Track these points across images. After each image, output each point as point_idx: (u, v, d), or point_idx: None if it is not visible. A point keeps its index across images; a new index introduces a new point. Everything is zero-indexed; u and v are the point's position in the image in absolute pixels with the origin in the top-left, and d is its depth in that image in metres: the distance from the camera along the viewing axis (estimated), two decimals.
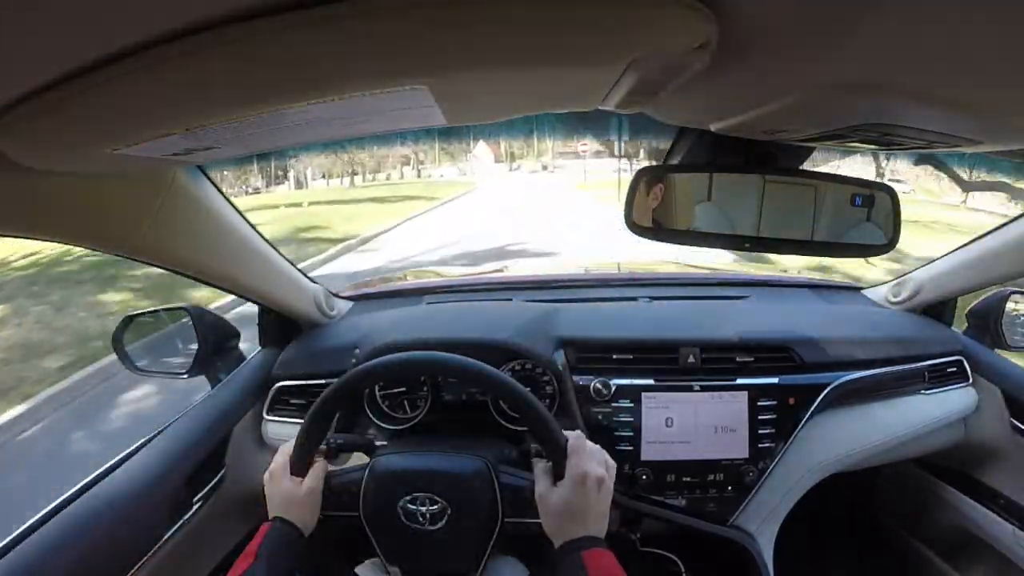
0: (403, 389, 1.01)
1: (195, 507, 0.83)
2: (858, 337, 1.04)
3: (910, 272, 1.18)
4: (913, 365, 1.05)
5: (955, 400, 1.06)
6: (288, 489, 0.75)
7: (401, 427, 0.98)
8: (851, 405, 1.01)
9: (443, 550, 0.74)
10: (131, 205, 0.60)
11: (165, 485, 0.78)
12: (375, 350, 0.97)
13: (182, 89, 0.29)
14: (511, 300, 1.22)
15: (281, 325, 1.10)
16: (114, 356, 1.00)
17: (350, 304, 1.22)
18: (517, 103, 0.42)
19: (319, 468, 0.77)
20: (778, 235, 0.66)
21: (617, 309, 1.16)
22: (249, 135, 0.38)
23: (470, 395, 1.01)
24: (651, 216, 0.69)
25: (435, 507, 0.72)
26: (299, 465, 0.75)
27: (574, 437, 0.71)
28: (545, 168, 33.17)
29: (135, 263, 0.72)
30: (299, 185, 20.98)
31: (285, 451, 0.77)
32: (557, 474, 0.69)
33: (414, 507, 0.73)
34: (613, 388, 0.94)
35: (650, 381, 0.95)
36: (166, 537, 0.77)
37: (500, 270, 1.72)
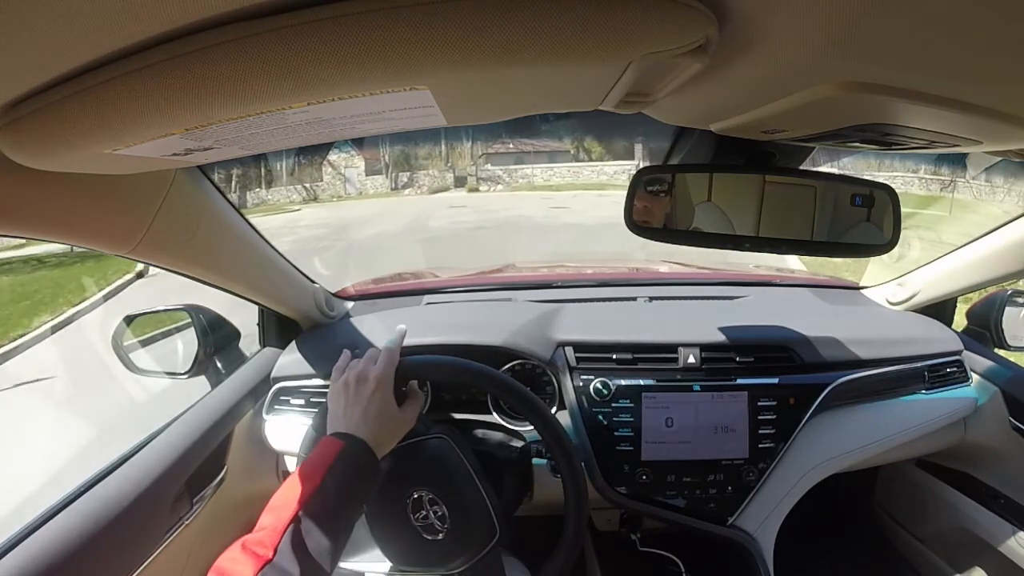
0: (403, 389, 1.01)
1: (195, 508, 0.83)
2: (858, 337, 1.04)
3: (910, 272, 1.18)
4: (913, 365, 1.05)
5: (955, 400, 1.06)
6: (388, 405, 0.63)
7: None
8: (851, 405, 1.01)
9: (400, 542, 0.73)
10: (131, 205, 0.60)
11: (165, 486, 0.77)
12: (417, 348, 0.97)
13: (182, 89, 0.29)
14: (511, 300, 1.22)
15: (281, 325, 1.10)
16: None
17: (350, 304, 1.22)
18: (516, 103, 0.42)
19: (419, 396, 0.69)
20: (778, 235, 0.67)
21: (617, 309, 1.16)
22: (249, 135, 0.37)
23: (471, 395, 1.01)
24: (651, 216, 0.69)
25: (442, 527, 0.72)
26: (400, 386, 0.67)
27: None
28: (463, 183, 17.06)
29: None
30: None
31: (392, 361, 0.66)
32: None
33: (425, 506, 0.72)
34: (613, 388, 0.94)
35: (650, 381, 0.95)
36: (166, 538, 0.77)
37: (500, 270, 1.72)
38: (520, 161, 18.65)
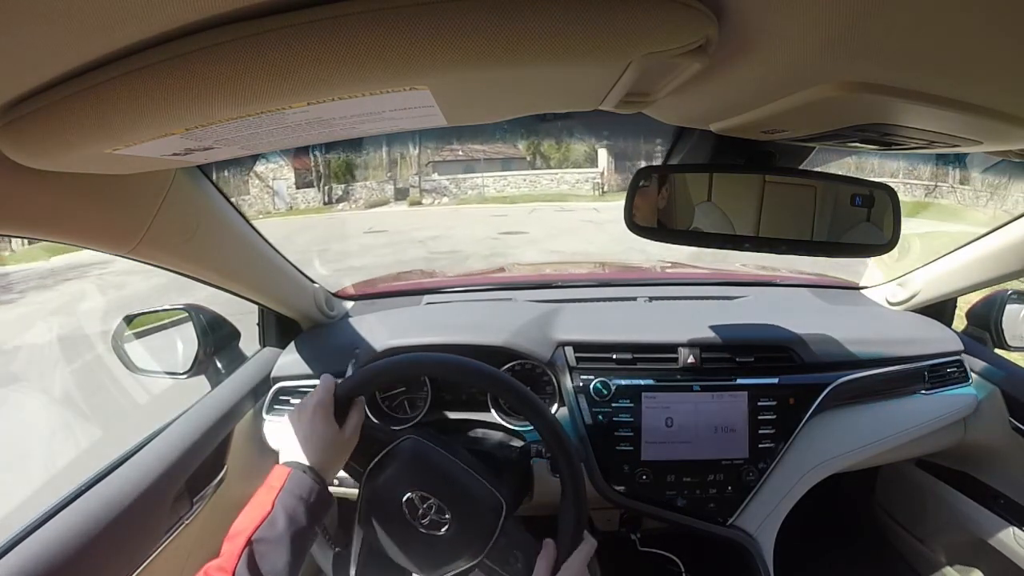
0: (403, 389, 1.01)
1: (195, 508, 0.83)
2: (858, 337, 1.04)
3: (910, 272, 1.18)
4: (913, 365, 1.05)
5: (955, 400, 1.06)
6: (326, 429, 0.67)
7: (400, 427, 0.98)
8: (851, 405, 1.01)
9: (416, 550, 0.73)
10: (131, 205, 0.60)
11: (165, 486, 0.77)
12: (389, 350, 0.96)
13: (182, 89, 0.29)
14: (511, 300, 1.22)
15: (281, 325, 1.10)
16: None
17: (350, 304, 1.22)
18: (516, 103, 0.42)
19: (359, 413, 0.71)
20: (778, 235, 0.66)
21: (617, 309, 1.16)
22: (249, 135, 0.38)
23: (470, 395, 1.01)
24: (652, 216, 0.69)
25: (443, 519, 0.71)
26: (344, 407, 0.70)
27: (590, 543, 0.70)
28: (405, 195, 15.16)
29: None
30: None
31: (328, 388, 0.70)
32: (560, 560, 0.67)
33: (419, 505, 0.72)
34: (613, 388, 0.94)
35: (650, 381, 0.95)
36: (166, 538, 0.77)
37: (500, 269, 1.72)
38: (470, 169, 16.29)
